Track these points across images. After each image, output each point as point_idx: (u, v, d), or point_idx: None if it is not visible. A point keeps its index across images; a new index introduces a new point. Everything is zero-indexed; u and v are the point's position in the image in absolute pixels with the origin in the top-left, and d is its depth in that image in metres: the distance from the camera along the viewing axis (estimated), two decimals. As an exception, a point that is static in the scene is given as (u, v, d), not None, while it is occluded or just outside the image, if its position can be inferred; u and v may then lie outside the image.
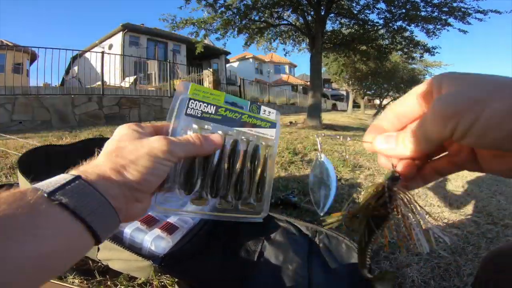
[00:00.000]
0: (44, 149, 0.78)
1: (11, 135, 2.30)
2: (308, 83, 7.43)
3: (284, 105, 11.65)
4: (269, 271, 0.66)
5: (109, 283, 0.58)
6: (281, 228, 0.80)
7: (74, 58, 5.88)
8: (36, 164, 0.74)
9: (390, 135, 0.24)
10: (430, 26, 5.52)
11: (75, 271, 0.58)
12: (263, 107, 0.37)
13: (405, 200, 0.25)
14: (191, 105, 0.32)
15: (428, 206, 1.38)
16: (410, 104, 0.23)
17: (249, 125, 0.35)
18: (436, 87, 0.21)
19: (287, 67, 23.60)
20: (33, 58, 5.55)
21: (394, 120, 0.24)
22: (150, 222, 0.59)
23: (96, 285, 0.57)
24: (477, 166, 0.23)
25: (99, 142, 0.90)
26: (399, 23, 5.72)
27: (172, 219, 0.63)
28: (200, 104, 0.33)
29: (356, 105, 19.73)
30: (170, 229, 0.59)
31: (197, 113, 0.32)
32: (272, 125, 0.37)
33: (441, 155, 0.25)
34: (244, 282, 0.62)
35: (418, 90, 0.22)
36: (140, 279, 0.60)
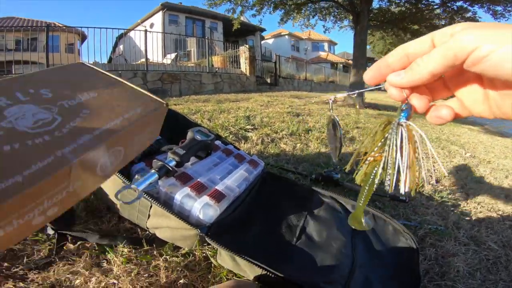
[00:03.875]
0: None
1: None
2: (350, 61, 7.00)
3: (322, 82, 11.30)
4: (312, 248, 0.64)
5: (155, 252, 0.60)
6: (325, 204, 0.78)
7: (119, 37, 6.19)
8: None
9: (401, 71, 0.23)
10: (499, 8, 4.74)
11: (125, 240, 0.59)
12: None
13: (413, 134, 0.24)
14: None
15: (481, 196, 1.26)
16: (424, 45, 0.22)
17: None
18: (455, 30, 0.20)
19: (326, 44, 22.41)
20: (83, 38, 5.94)
21: (403, 58, 0.23)
22: (200, 189, 0.59)
23: (143, 254, 0.59)
24: (487, 108, 0.23)
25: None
26: (459, 3, 5.02)
27: (220, 187, 0.62)
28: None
29: (401, 86, 18.61)
30: (218, 196, 0.59)
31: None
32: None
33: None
34: (285, 257, 0.61)
35: (435, 33, 0.22)
36: (184, 249, 0.61)
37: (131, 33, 7.22)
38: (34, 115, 0.21)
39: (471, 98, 0.24)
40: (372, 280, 0.58)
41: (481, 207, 1.14)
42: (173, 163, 0.60)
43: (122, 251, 0.58)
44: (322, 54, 21.01)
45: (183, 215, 0.57)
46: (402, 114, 0.24)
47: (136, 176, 0.57)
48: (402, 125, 0.24)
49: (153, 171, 0.57)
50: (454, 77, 0.24)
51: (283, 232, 0.68)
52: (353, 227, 0.32)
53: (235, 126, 1.73)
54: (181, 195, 0.57)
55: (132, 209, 0.62)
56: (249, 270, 0.53)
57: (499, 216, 1.09)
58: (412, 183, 0.23)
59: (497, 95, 0.22)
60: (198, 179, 0.62)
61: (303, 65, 10.70)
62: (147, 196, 0.56)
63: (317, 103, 3.86)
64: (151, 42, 5.08)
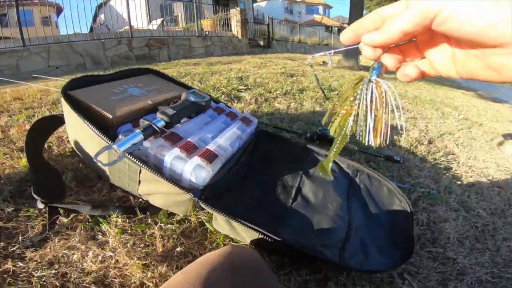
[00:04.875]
0: (81, 79, 0.75)
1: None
2: (345, 25, 6.71)
3: (317, 45, 11.08)
4: (308, 209, 0.63)
5: (149, 220, 0.57)
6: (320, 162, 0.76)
7: (99, 7, 5.91)
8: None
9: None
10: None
11: (117, 209, 0.57)
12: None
13: (382, 90, 0.26)
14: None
15: (473, 160, 1.27)
16: (399, 8, 0.23)
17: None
18: None
19: (321, 8, 21.58)
20: (58, 10, 5.69)
21: (378, 20, 0.24)
22: (190, 149, 0.55)
23: (138, 224, 0.57)
24: (453, 68, 0.24)
25: (138, 71, 0.89)
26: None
27: (212, 146, 0.59)
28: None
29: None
30: (210, 157, 0.55)
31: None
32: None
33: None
34: (282, 220, 0.60)
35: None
36: (178, 215, 0.59)
37: (112, 2, 6.93)
38: (138, 91, 0.75)
39: (439, 59, 0.25)
40: (368, 243, 0.58)
41: (472, 171, 1.14)
42: (161, 123, 0.56)
43: (116, 222, 0.56)
44: (317, 18, 20.28)
45: (175, 179, 0.54)
46: (373, 71, 0.26)
47: (120, 137, 0.53)
48: (372, 82, 0.25)
49: (137, 131, 0.53)
50: (425, 40, 0.25)
51: (278, 193, 0.67)
52: (320, 173, 0.35)
53: (227, 87, 1.69)
54: (171, 156, 0.53)
55: (122, 176, 0.60)
56: (246, 235, 0.52)
57: (488, 181, 1.09)
58: (380, 137, 0.26)
59: (462, 55, 0.23)
60: (188, 139, 0.58)
61: (297, 28, 10.45)
62: (135, 160, 0.53)
63: (311, 65, 3.79)
64: (134, 9, 4.88)
